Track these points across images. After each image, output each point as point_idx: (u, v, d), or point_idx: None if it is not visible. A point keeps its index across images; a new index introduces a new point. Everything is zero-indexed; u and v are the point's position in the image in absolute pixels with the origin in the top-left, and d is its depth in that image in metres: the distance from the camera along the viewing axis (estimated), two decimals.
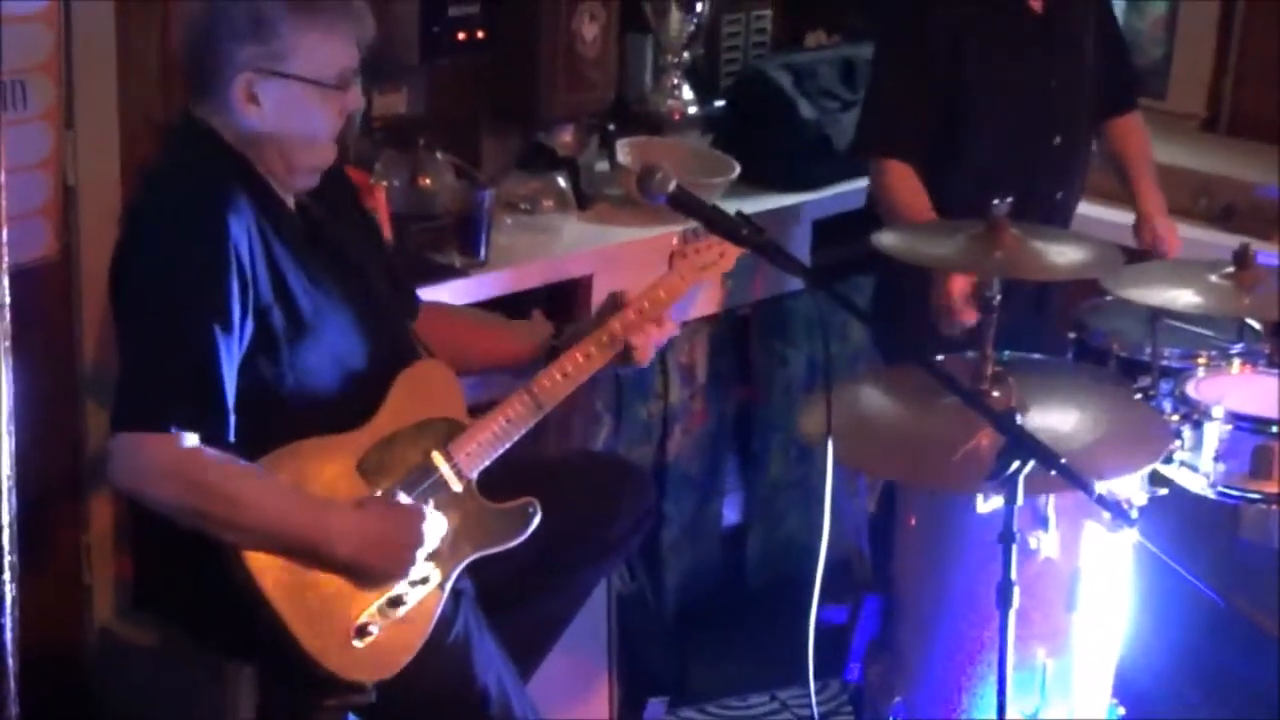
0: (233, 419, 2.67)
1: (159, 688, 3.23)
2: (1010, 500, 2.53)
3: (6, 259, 1.94)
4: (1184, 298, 3.31)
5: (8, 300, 1.93)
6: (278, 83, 2.75)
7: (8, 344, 1.93)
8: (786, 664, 3.87)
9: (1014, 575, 2.55)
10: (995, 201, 3.17)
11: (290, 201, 2.87)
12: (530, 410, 2.96)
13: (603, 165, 4.23)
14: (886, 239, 3.30)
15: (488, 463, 2.92)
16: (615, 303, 3.12)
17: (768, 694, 4.16)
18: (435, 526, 2.76)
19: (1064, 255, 3.25)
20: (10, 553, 1.98)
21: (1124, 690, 3.38)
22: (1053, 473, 2.51)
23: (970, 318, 3.45)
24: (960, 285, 3.51)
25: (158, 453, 2.61)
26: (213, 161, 2.78)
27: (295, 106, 2.77)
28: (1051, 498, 3.04)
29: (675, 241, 3.21)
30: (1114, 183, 4.12)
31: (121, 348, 2.80)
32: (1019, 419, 2.57)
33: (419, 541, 2.73)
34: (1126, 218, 4.05)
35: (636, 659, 3.93)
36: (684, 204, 2.79)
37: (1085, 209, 4.13)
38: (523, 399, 2.96)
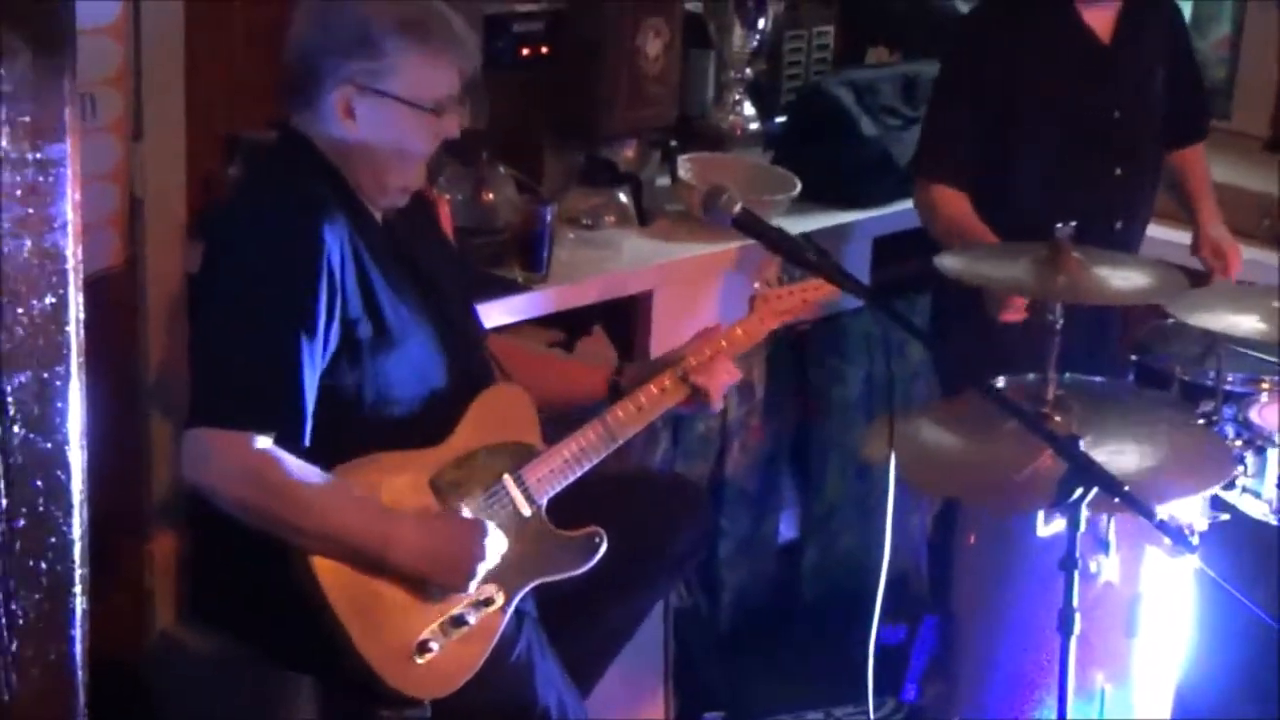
0: (308, 426, 2.69)
1: (218, 693, 3.25)
2: (1073, 527, 2.52)
3: (81, 274, 1.95)
4: (1247, 324, 3.29)
5: (82, 316, 1.94)
6: (376, 100, 2.77)
7: (81, 360, 1.94)
8: (841, 680, 3.86)
9: (1076, 602, 2.54)
10: (1059, 225, 3.16)
11: (379, 218, 2.89)
12: (603, 440, 2.98)
13: (664, 181, 4.23)
14: (948, 261, 3.29)
15: (558, 489, 2.93)
16: (704, 337, 3.15)
17: (822, 711, 4.15)
18: (497, 543, 2.76)
19: (1128, 280, 3.24)
20: (82, 566, 1.99)
21: (1183, 715, 3.36)
22: (1116, 500, 2.51)
23: (1019, 316, 3.45)
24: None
25: (230, 451, 2.64)
26: (310, 172, 2.81)
27: (390, 125, 2.79)
28: (1113, 522, 3.03)
29: (757, 285, 3.23)
30: (1175, 205, 4.11)
31: (202, 345, 2.84)
32: (1081, 444, 2.56)
33: (480, 556, 2.73)
34: (1187, 237, 4.04)
35: (692, 674, 3.94)
36: (749, 226, 2.81)
37: (1149, 229, 4.11)
38: (596, 429, 2.98)
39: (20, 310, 1.89)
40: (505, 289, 3.56)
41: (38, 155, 1.88)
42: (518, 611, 2.85)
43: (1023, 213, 3.74)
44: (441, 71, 2.81)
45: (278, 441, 2.65)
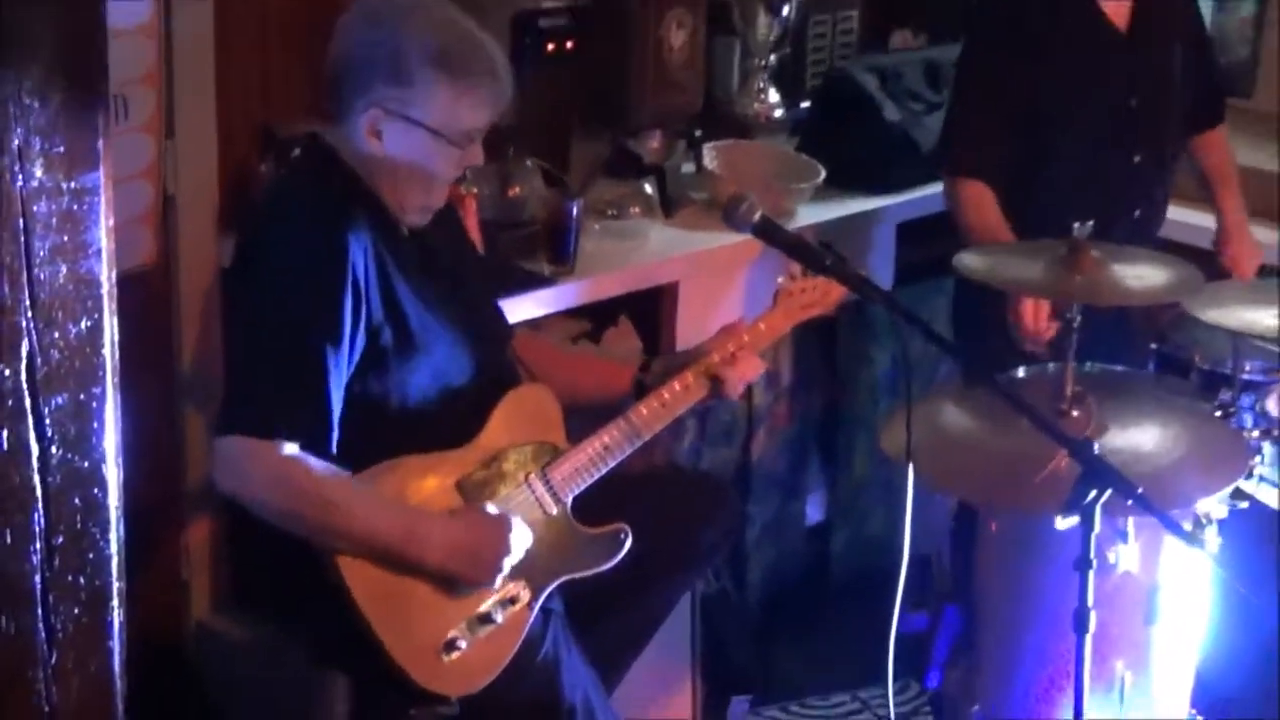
0: (335, 433, 2.75)
1: (256, 681, 3.32)
2: (1087, 527, 2.55)
3: (115, 298, 2.00)
4: (1264, 320, 3.32)
5: (117, 338, 2.00)
6: (402, 125, 2.81)
7: (117, 380, 2.00)
8: (868, 663, 3.89)
9: (1091, 601, 2.58)
10: (1076, 225, 3.18)
11: (404, 227, 2.93)
12: (627, 438, 3.02)
13: (689, 168, 4.25)
14: (967, 260, 3.32)
15: (583, 487, 2.98)
16: (727, 333, 3.18)
17: (849, 693, 4.19)
18: (521, 537, 2.81)
19: (1144, 279, 3.25)
20: (119, 579, 2.05)
21: (1203, 701, 3.39)
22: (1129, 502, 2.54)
23: (1047, 334, 3.48)
24: (1033, 304, 3.55)
25: (261, 458, 2.69)
26: (335, 181, 2.86)
27: (414, 150, 2.83)
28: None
29: (780, 280, 3.27)
30: (1196, 188, 4.13)
31: (232, 353, 2.93)
32: (1096, 445, 2.60)
33: (505, 550, 2.78)
34: (1208, 220, 4.07)
35: (720, 657, 3.98)
36: (769, 234, 2.85)
37: (1172, 212, 4.14)
38: (620, 426, 3.02)
39: (57, 334, 1.95)
40: (532, 282, 3.60)
41: (72, 184, 1.93)
42: (544, 609, 2.90)
43: (1045, 204, 3.78)
44: (472, 106, 2.84)
45: (304, 448, 2.71)
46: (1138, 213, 3.93)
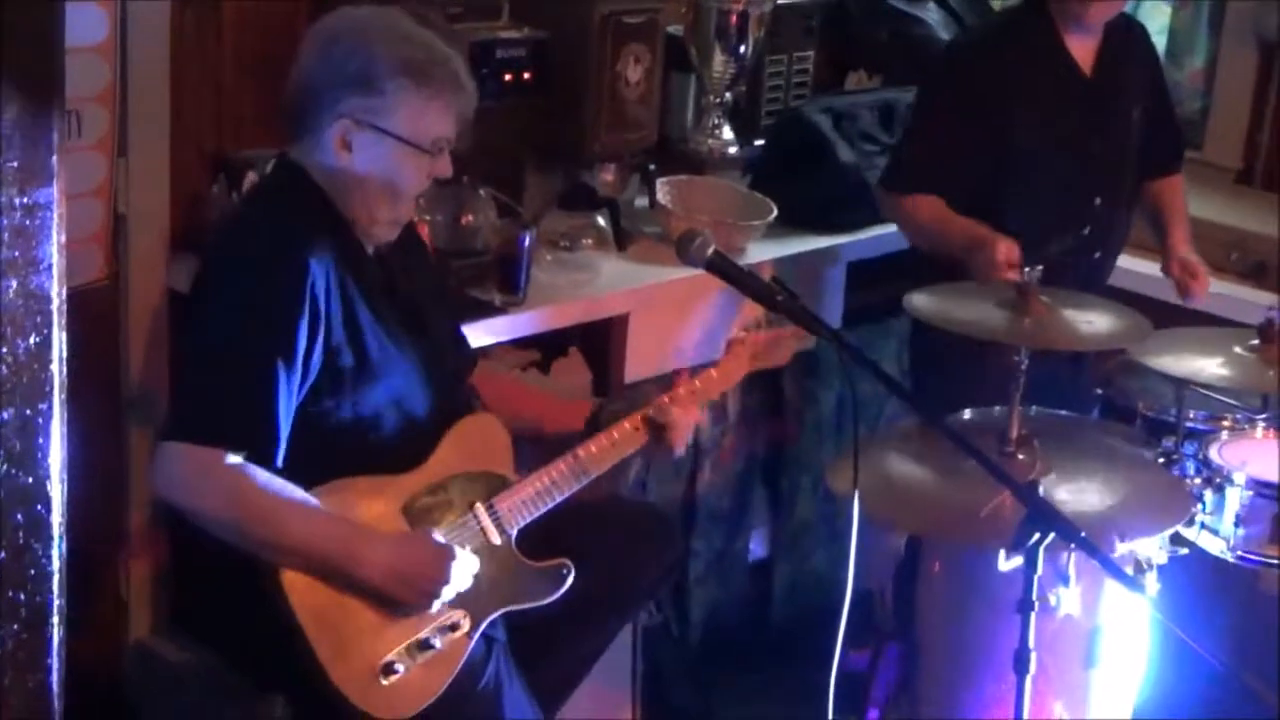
0: (281, 449, 2.75)
1: (193, 705, 3.29)
2: (1030, 569, 2.57)
3: (65, 314, 2.00)
4: (1210, 369, 3.36)
5: (65, 355, 1.99)
6: (373, 135, 2.83)
7: (64, 397, 1.99)
8: (810, 699, 3.90)
9: (1032, 643, 2.60)
10: (1026, 269, 3.21)
11: (370, 249, 2.94)
12: (574, 474, 3.03)
13: (642, 202, 4.27)
14: (917, 301, 3.34)
15: (529, 520, 2.98)
16: (680, 379, 3.21)
17: None
18: (465, 568, 2.81)
19: (1093, 325, 3.29)
20: (60, 597, 2.04)
21: None
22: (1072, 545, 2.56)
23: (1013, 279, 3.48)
24: (1005, 251, 3.58)
25: (202, 465, 2.69)
26: (302, 201, 2.87)
27: (384, 160, 2.85)
28: (1073, 555, 3.08)
29: (735, 330, 3.28)
30: (1145, 232, 4.17)
31: (184, 364, 2.93)
32: (1041, 487, 2.62)
33: (445, 579, 2.78)
34: (1157, 268, 4.08)
35: (661, 692, 3.98)
36: (721, 269, 2.86)
37: (1122, 260, 4.18)
38: (568, 462, 3.03)
39: (5, 350, 1.94)
40: (482, 311, 3.59)
41: (25, 200, 1.94)
42: (487, 638, 2.90)
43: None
44: (439, 114, 2.87)
45: (249, 459, 2.71)
46: (1097, 255, 3.96)
